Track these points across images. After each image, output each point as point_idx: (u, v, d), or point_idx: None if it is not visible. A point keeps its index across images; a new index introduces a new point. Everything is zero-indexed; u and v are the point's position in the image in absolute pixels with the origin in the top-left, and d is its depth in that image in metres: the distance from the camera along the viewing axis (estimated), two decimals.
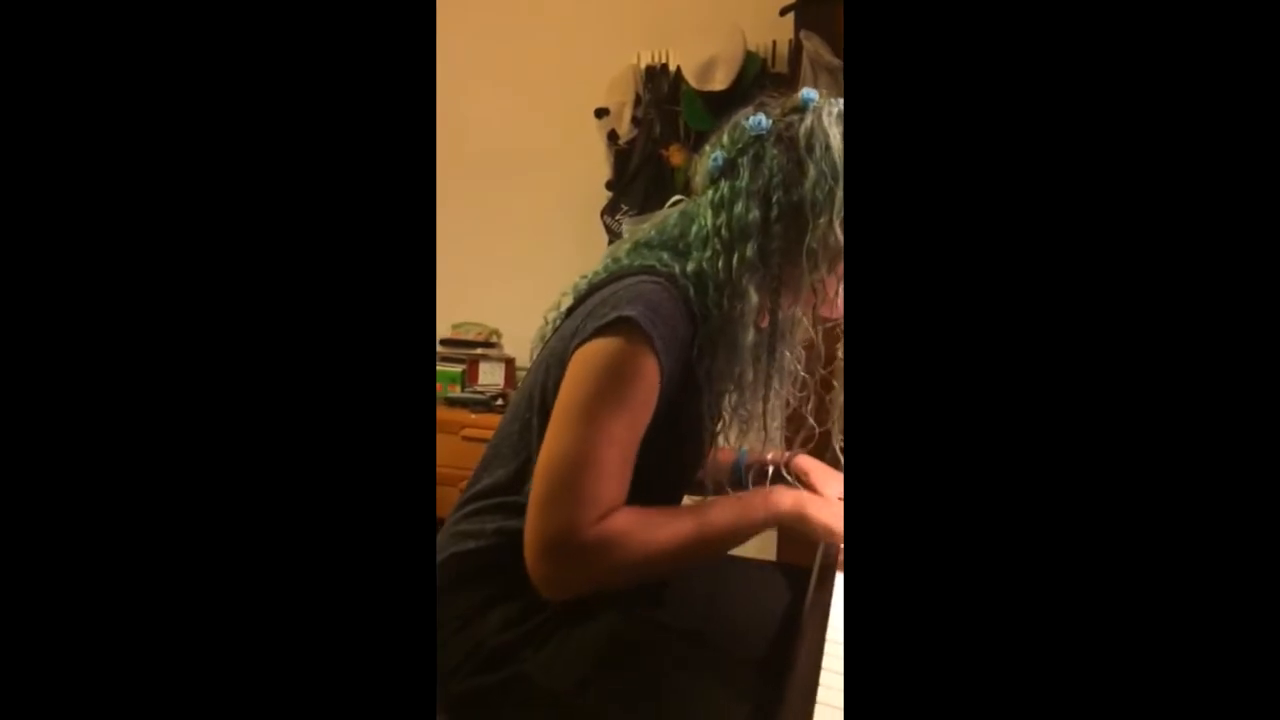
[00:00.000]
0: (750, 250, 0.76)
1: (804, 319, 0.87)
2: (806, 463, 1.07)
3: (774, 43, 2.17)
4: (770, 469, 1.05)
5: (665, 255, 0.80)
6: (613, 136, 2.30)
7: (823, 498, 0.83)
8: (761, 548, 1.87)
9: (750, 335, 0.78)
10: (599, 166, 2.35)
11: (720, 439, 0.88)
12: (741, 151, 0.79)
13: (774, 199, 0.76)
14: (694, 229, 0.80)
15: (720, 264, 0.77)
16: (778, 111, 0.81)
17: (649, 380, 0.72)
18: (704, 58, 2.10)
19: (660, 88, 2.21)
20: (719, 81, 2.08)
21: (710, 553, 0.79)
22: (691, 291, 0.78)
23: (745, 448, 1.06)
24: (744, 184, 0.78)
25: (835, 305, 0.84)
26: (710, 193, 0.81)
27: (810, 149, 0.76)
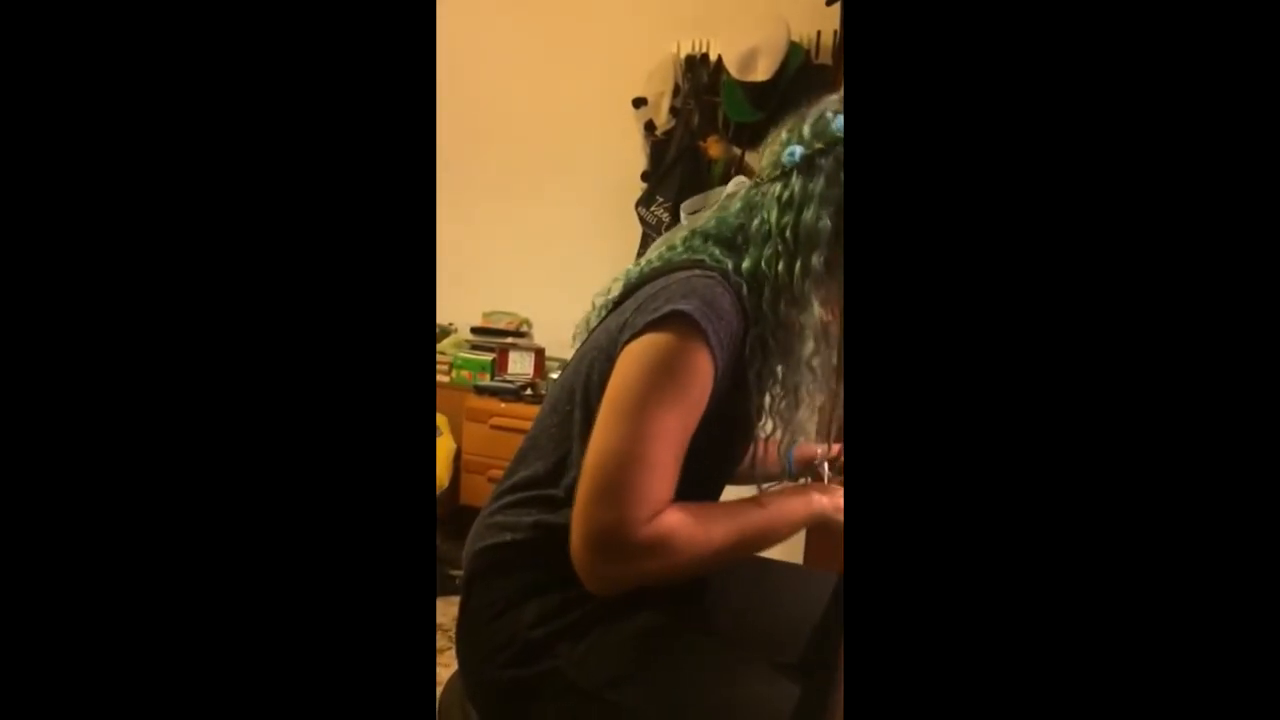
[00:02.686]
0: (817, 260, 0.73)
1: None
2: None
3: (819, 33, 2.12)
4: (820, 462, 1.04)
5: (718, 251, 0.78)
6: (650, 127, 2.27)
7: None
8: (789, 551, 1.85)
9: (810, 347, 0.75)
10: (635, 157, 2.32)
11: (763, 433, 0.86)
12: (823, 151, 0.75)
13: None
14: (756, 223, 0.77)
15: (781, 267, 0.74)
16: None
17: (703, 377, 0.70)
18: (745, 47, 2.06)
19: (700, 78, 2.18)
20: (761, 72, 2.04)
21: (753, 550, 0.78)
22: (744, 290, 0.75)
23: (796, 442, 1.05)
24: (819, 188, 0.73)
25: None
26: (779, 187, 0.77)
27: None
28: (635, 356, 0.70)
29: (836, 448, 1.07)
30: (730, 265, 0.76)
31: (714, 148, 2.14)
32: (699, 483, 0.77)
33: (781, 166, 0.77)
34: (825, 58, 2.10)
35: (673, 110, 2.23)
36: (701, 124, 2.17)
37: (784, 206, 0.75)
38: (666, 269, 0.76)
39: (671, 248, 0.81)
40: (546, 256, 2.48)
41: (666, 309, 0.69)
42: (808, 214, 0.73)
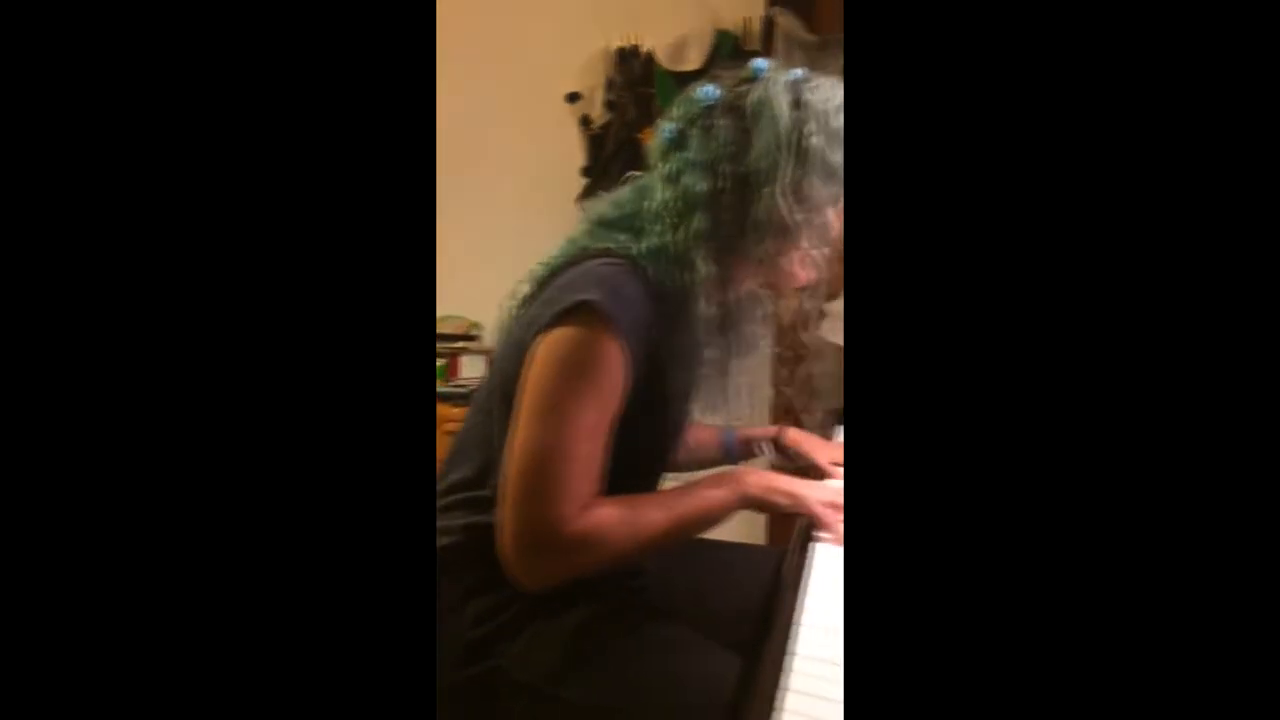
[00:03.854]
0: (699, 222, 0.75)
1: (764, 293, 0.86)
2: (797, 434, 1.06)
3: (746, 20, 2.14)
4: (760, 443, 1.05)
5: (622, 236, 0.78)
6: (586, 121, 2.27)
7: (783, 475, 0.81)
8: (750, 532, 1.87)
9: (703, 307, 0.76)
10: (574, 152, 2.31)
11: (698, 416, 0.87)
12: (691, 122, 0.78)
13: (721, 170, 0.75)
14: (647, 204, 0.79)
15: (673, 238, 0.76)
16: (729, 82, 0.79)
17: (615, 366, 0.70)
18: (675, 38, 2.07)
19: (633, 70, 2.18)
20: (691, 61, 2.05)
21: (685, 538, 0.79)
22: (650, 270, 0.76)
23: (733, 424, 1.06)
24: (693, 155, 0.76)
25: (795, 275, 0.82)
26: (662, 166, 0.79)
27: (757, 119, 0.75)
28: (545, 351, 0.70)
29: (775, 428, 1.09)
30: (635, 249, 0.77)
31: (652, 139, 2.14)
32: (633, 473, 0.78)
33: (662, 148, 0.80)
34: (755, 44, 2.11)
35: (608, 104, 2.23)
36: (637, 116, 2.17)
37: (667, 181, 0.77)
38: (573, 260, 0.77)
39: (573, 241, 0.81)
40: (492, 257, 2.45)
41: (572, 300, 0.70)
42: (687, 180, 0.76)
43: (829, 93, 0.77)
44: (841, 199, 0.80)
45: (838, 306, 1.83)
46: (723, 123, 0.76)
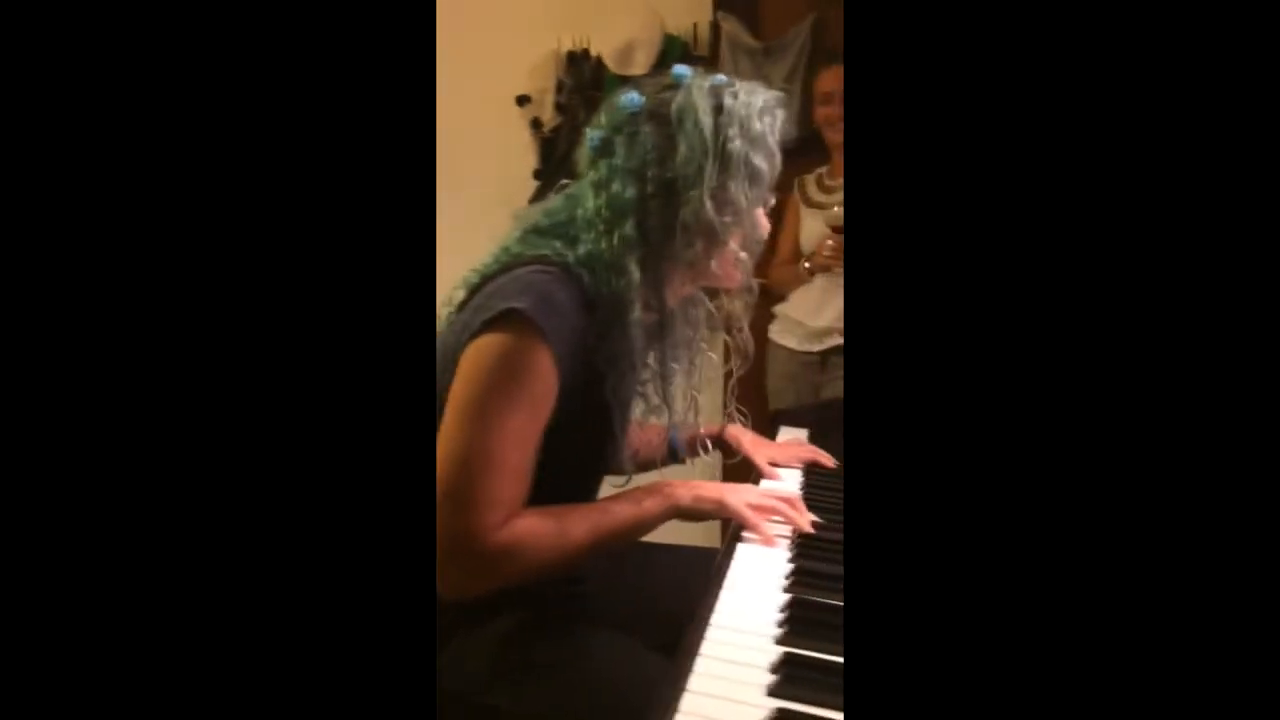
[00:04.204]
0: (629, 228, 0.76)
1: (701, 296, 0.88)
2: (737, 432, 1.08)
3: (695, 25, 2.16)
4: (701, 442, 1.06)
5: (558, 244, 0.79)
6: (536, 124, 2.27)
7: (709, 483, 0.84)
8: (709, 535, 1.89)
9: (636, 312, 0.77)
10: (525, 156, 2.31)
11: (644, 419, 0.89)
12: (617, 129, 0.79)
13: (648, 175, 0.77)
14: (579, 212, 0.80)
15: (604, 245, 0.77)
16: (653, 89, 0.81)
17: (543, 374, 0.71)
18: (622, 42, 2.08)
19: (582, 73, 2.18)
20: (639, 65, 2.06)
21: (612, 549, 0.80)
22: (586, 278, 0.77)
23: (675, 425, 1.08)
24: (620, 162, 0.78)
25: (725, 277, 0.84)
26: (591, 173, 0.80)
27: (681, 124, 0.77)
28: (473, 358, 0.71)
29: (719, 426, 1.11)
30: (570, 257, 0.77)
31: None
32: (571, 481, 0.79)
33: (589, 155, 0.81)
34: (702, 49, 2.14)
35: (558, 106, 2.23)
36: (587, 119, 2.17)
37: (596, 188, 0.79)
38: (505, 267, 0.77)
39: (505, 248, 0.82)
40: (442, 260, 2.44)
41: (501, 308, 0.70)
42: (615, 187, 0.77)
43: (749, 97, 0.79)
44: (768, 201, 0.83)
45: (788, 308, 1.87)
46: (647, 129, 0.77)
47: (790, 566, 0.73)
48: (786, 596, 0.66)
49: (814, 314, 1.78)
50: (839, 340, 1.75)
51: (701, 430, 1.08)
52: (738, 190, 0.78)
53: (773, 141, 0.81)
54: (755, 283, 0.89)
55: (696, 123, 0.76)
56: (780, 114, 0.82)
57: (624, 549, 0.88)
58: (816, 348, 1.78)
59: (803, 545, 0.79)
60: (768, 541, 0.79)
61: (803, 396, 1.81)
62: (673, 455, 1.08)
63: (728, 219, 0.78)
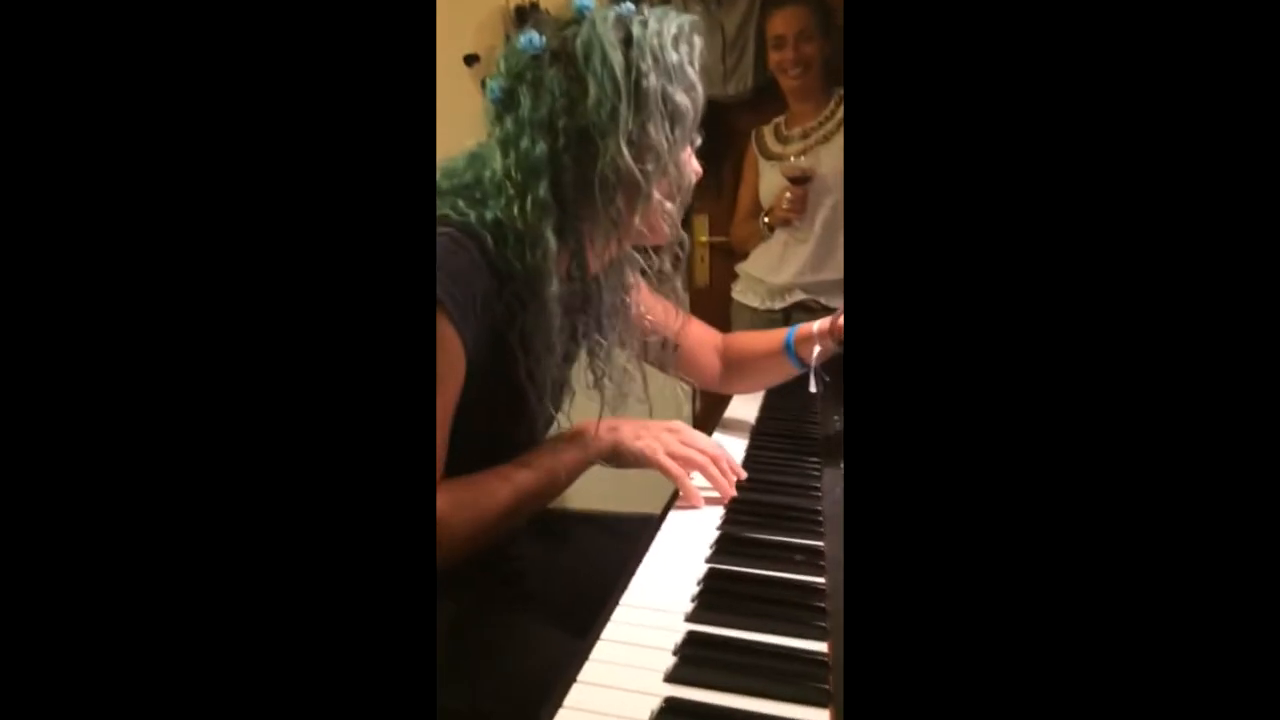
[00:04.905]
0: (543, 190, 0.69)
1: (633, 255, 0.82)
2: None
3: None
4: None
5: (461, 202, 0.72)
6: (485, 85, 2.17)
7: (636, 423, 0.78)
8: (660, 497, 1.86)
9: (554, 286, 0.71)
10: (477, 119, 2.22)
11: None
12: (519, 78, 0.71)
13: (559, 126, 0.68)
14: (486, 174, 0.72)
15: (516, 210, 0.69)
16: (553, 26, 0.72)
17: (448, 347, 0.66)
18: None
19: None
20: None
21: (538, 506, 0.75)
22: (491, 243, 0.70)
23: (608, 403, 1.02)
24: (526, 114, 0.69)
25: (653, 232, 0.76)
26: (497, 129, 0.72)
27: (588, 62, 0.68)
28: None
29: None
30: (474, 217, 0.70)
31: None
32: (492, 459, 0.74)
33: (493, 110, 0.73)
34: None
35: None
36: None
37: (504, 146, 0.71)
38: None
39: None
40: None
41: None
42: (524, 143, 0.69)
43: (660, 25, 0.71)
44: (694, 140, 0.75)
45: (749, 266, 1.81)
46: (552, 73, 0.69)
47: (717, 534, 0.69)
48: (706, 568, 0.62)
49: (775, 270, 1.72)
50: (801, 296, 1.70)
51: (815, 328, 0.94)
52: (658, 133, 0.70)
53: (693, 73, 0.72)
54: (684, 235, 0.82)
55: (605, 59, 0.68)
56: (698, 40, 0.73)
57: (557, 520, 0.84)
58: (779, 305, 1.73)
59: (733, 510, 0.74)
60: (691, 499, 0.74)
61: None
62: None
63: (649, 167, 0.70)
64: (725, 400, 1.13)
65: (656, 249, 0.83)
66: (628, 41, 0.69)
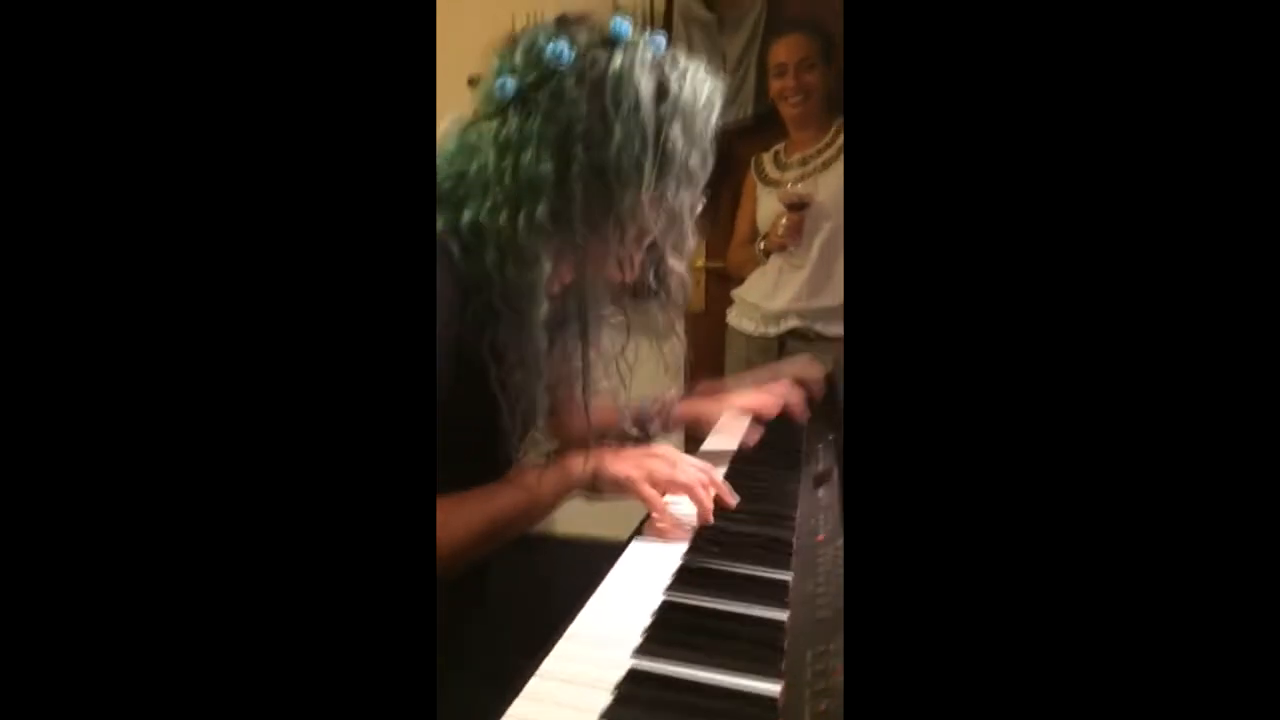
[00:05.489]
0: (541, 211, 0.65)
1: (609, 286, 0.79)
2: (690, 401, 1.00)
3: (651, 1, 2.07)
4: (657, 420, 0.98)
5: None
6: None
7: (619, 454, 0.75)
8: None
9: (543, 309, 0.68)
10: None
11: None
12: (537, 84, 0.66)
13: (573, 154, 0.65)
14: (474, 168, 0.68)
15: (503, 220, 0.66)
16: (585, 41, 0.68)
17: None
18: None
19: None
20: None
21: (510, 535, 0.72)
22: (458, 252, 0.68)
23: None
24: (537, 126, 0.65)
25: (642, 270, 0.75)
26: (495, 125, 0.68)
27: (618, 101, 0.65)
28: None
29: (670, 395, 1.01)
30: (443, 224, 0.68)
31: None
32: (465, 474, 0.71)
33: (496, 101, 0.68)
34: (657, 25, 2.05)
35: None
36: None
37: (501, 148, 0.67)
38: None
39: None
40: None
41: None
42: (527, 156, 0.65)
43: (695, 85, 0.68)
44: (696, 207, 0.73)
45: (745, 292, 1.79)
46: (575, 94, 0.65)
47: (679, 564, 0.65)
48: (660, 599, 0.58)
49: (770, 296, 1.70)
50: (797, 323, 1.67)
51: (654, 405, 0.99)
52: (675, 194, 0.69)
53: (709, 141, 0.71)
54: (687, 294, 0.80)
55: (637, 106, 0.65)
56: (719, 105, 0.72)
57: (521, 542, 0.81)
58: (773, 331, 1.70)
59: (699, 538, 0.70)
60: (667, 530, 0.70)
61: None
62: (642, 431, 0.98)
63: (665, 223, 0.69)
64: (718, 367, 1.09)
65: (662, 305, 0.80)
66: (661, 95, 0.67)
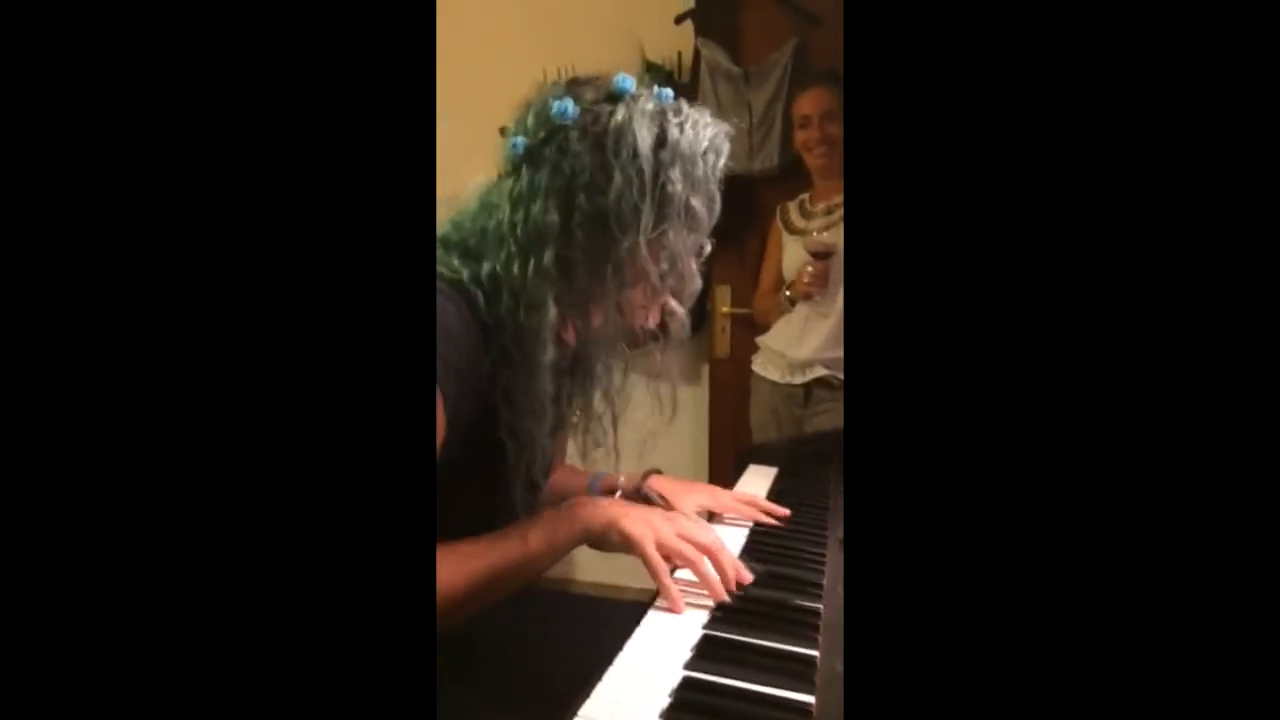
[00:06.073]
0: (548, 258, 0.68)
1: (617, 334, 0.80)
2: (661, 482, 0.99)
3: (680, 53, 2.12)
4: (620, 492, 0.98)
5: (455, 260, 0.72)
6: None
7: (641, 509, 0.74)
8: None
9: (549, 352, 0.70)
10: None
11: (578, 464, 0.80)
12: (545, 141, 0.70)
13: (575, 202, 0.68)
14: (493, 224, 0.72)
15: (516, 269, 0.69)
16: (589, 98, 0.71)
17: None
18: (605, 71, 2.04)
19: None
20: None
21: (516, 584, 0.70)
22: (482, 300, 0.70)
23: (599, 470, 0.99)
24: (544, 180, 0.69)
25: (648, 314, 0.77)
26: (510, 182, 0.72)
27: (618, 151, 0.67)
28: None
29: (641, 474, 1.00)
30: (468, 274, 0.70)
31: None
32: (466, 521, 0.70)
33: (509, 161, 0.73)
34: (684, 77, 2.09)
35: None
36: None
37: (515, 202, 0.70)
38: None
39: None
40: None
41: None
42: (535, 208, 0.69)
43: (694, 132, 0.70)
44: (702, 251, 0.75)
45: (770, 339, 1.78)
46: (579, 147, 0.68)
47: (700, 635, 0.63)
48: (682, 675, 0.56)
49: (796, 345, 1.68)
50: (822, 372, 1.65)
51: (621, 479, 0.98)
52: (675, 237, 0.70)
53: (714, 185, 0.72)
54: (688, 337, 0.80)
55: (635, 153, 0.67)
56: (726, 149, 0.73)
57: (539, 593, 0.79)
58: (799, 380, 1.68)
59: (721, 605, 0.68)
60: (670, 602, 0.68)
61: (785, 430, 1.71)
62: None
63: (664, 267, 0.71)
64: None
65: (661, 350, 0.81)
66: (660, 142, 0.69)
